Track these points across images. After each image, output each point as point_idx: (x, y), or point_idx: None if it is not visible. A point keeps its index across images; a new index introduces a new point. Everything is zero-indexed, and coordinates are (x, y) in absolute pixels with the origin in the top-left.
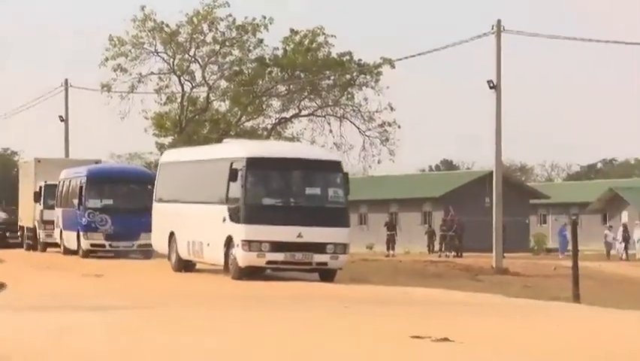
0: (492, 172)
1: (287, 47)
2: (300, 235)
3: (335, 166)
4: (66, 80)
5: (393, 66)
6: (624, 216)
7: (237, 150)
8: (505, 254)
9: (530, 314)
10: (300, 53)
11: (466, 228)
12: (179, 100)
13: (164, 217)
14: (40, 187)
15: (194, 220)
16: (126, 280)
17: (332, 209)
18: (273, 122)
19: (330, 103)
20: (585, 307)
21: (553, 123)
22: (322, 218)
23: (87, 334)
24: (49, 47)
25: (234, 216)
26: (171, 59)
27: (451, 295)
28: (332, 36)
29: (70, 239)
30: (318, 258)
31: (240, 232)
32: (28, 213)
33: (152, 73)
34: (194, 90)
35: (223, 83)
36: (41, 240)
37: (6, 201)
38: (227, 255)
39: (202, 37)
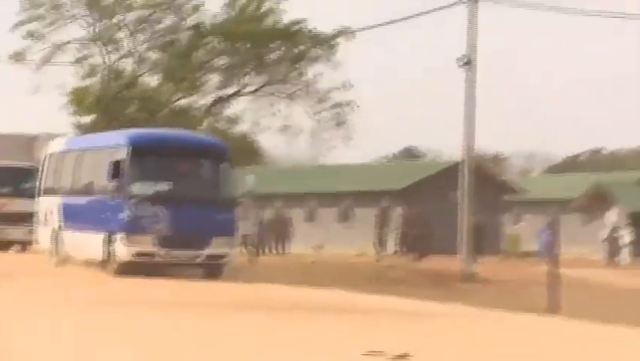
0: (461, 162)
1: (229, 14)
2: None
3: None
4: None
5: (352, 37)
6: (612, 215)
7: None
8: (479, 258)
9: (497, 327)
10: (244, 21)
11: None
12: (102, 73)
13: None
14: None
15: None
16: None
17: None
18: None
19: (278, 79)
20: (562, 320)
21: (534, 106)
22: None
23: None
24: None
25: None
26: (95, 25)
27: (405, 303)
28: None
29: (84, 244)
30: None
31: None
32: None
33: (71, 41)
34: (120, 61)
35: (154, 55)
36: None
37: None
38: None
39: (130, 1)
